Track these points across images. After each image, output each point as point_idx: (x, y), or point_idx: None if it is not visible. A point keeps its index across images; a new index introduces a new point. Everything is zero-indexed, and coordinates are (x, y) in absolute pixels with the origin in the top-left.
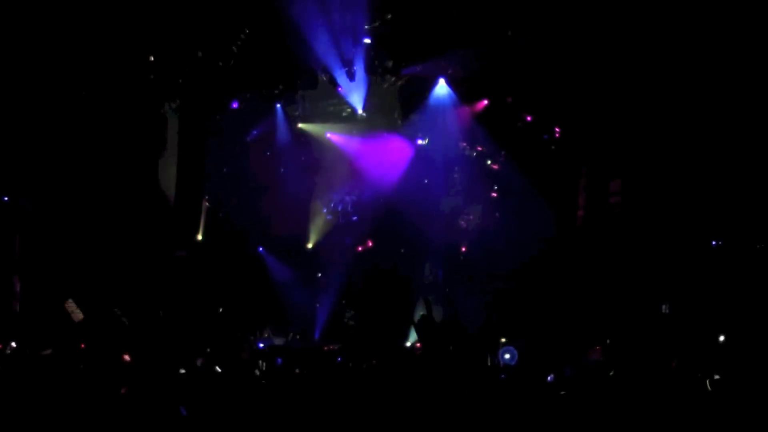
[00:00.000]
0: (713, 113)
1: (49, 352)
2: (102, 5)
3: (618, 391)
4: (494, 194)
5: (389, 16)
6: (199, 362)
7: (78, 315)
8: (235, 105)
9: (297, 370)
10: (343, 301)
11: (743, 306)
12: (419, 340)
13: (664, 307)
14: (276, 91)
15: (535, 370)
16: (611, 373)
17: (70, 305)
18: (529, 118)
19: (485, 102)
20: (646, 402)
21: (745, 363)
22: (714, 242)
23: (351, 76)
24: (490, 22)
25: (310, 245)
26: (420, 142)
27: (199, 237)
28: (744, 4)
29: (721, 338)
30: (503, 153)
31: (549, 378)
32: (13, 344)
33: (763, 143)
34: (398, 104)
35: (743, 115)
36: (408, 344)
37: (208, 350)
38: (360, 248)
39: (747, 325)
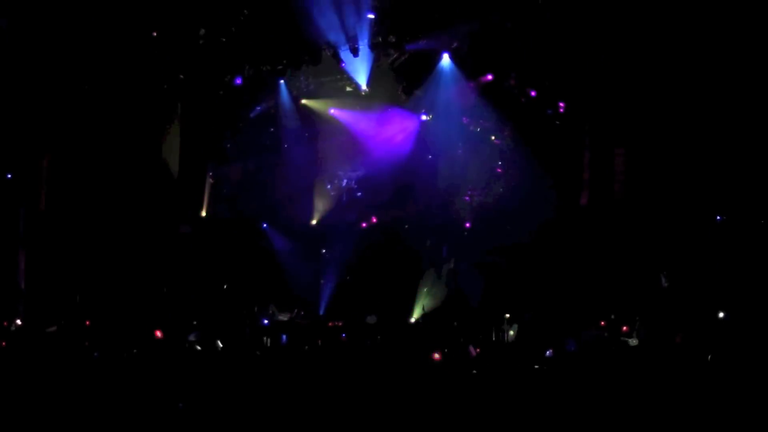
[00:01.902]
0: (716, 90)
1: (54, 329)
2: None
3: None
4: (499, 170)
5: None
6: (192, 337)
7: None
8: (238, 81)
9: (303, 347)
10: (348, 277)
11: (745, 281)
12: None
13: (663, 279)
14: (279, 67)
15: (536, 344)
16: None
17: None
18: (533, 93)
19: (489, 77)
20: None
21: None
22: (718, 217)
23: (355, 52)
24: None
25: (314, 221)
26: (424, 117)
27: (203, 213)
28: None
29: (720, 314)
30: (508, 128)
31: (548, 353)
32: (18, 321)
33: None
34: (402, 80)
35: (746, 91)
36: (413, 319)
37: (197, 324)
38: (364, 224)
39: (749, 300)
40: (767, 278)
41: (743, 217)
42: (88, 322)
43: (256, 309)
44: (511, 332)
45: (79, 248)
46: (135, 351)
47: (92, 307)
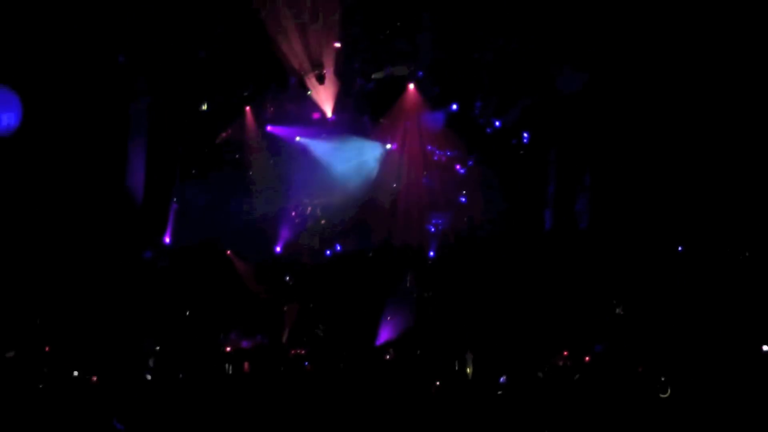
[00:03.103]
0: (678, 123)
1: (12, 354)
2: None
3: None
4: (463, 199)
5: (360, 20)
6: (151, 362)
7: None
8: (204, 107)
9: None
10: (311, 305)
11: (708, 310)
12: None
13: (618, 310)
14: (245, 94)
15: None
16: (576, 377)
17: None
18: (497, 123)
19: (454, 106)
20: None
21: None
22: (680, 247)
23: (321, 80)
24: (461, 27)
25: (278, 248)
26: (389, 146)
27: (167, 239)
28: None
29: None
30: (472, 157)
31: (501, 379)
32: None
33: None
34: (368, 108)
35: (708, 123)
36: (376, 347)
37: (157, 349)
38: (328, 252)
39: (712, 328)
40: (727, 307)
41: (705, 248)
42: (47, 348)
43: (219, 336)
44: (470, 363)
45: (40, 272)
46: (95, 377)
47: (52, 333)
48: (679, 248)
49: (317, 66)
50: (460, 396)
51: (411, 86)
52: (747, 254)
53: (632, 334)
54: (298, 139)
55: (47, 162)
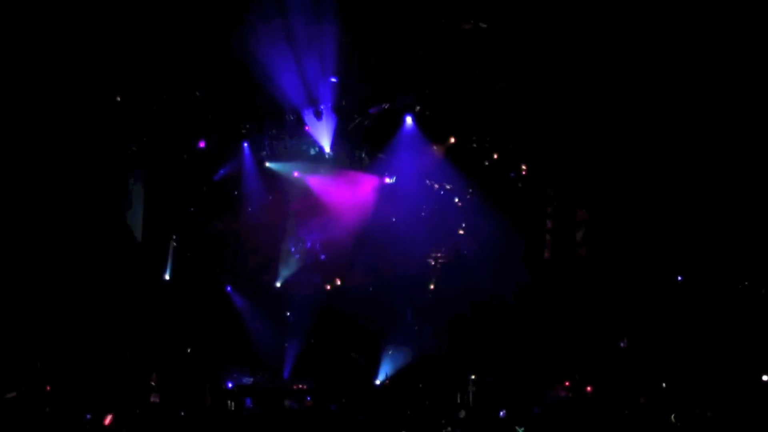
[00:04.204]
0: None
1: (14, 395)
2: (66, 43)
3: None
4: (462, 231)
5: (356, 56)
6: (153, 398)
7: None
8: (201, 144)
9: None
10: (312, 340)
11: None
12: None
13: (622, 343)
14: (243, 131)
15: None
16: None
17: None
18: (495, 156)
19: (452, 140)
20: None
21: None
22: (679, 278)
23: (318, 116)
24: (456, 60)
25: (278, 284)
26: (387, 180)
27: (167, 277)
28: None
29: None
30: (471, 190)
31: (501, 414)
32: None
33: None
34: (365, 143)
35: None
36: (378, 382)
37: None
38: (328, 287)
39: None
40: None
41: (704, 278)
42: (48, 388)
43: (220, 372)
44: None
45: (40, 314)
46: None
47: (53, 373)
48: (679, 278)
49: (314, 102)
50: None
51: (409, 120)
52: (746, 283)
53: (634, 365)
54: (296, 174)
55: (48, 203)
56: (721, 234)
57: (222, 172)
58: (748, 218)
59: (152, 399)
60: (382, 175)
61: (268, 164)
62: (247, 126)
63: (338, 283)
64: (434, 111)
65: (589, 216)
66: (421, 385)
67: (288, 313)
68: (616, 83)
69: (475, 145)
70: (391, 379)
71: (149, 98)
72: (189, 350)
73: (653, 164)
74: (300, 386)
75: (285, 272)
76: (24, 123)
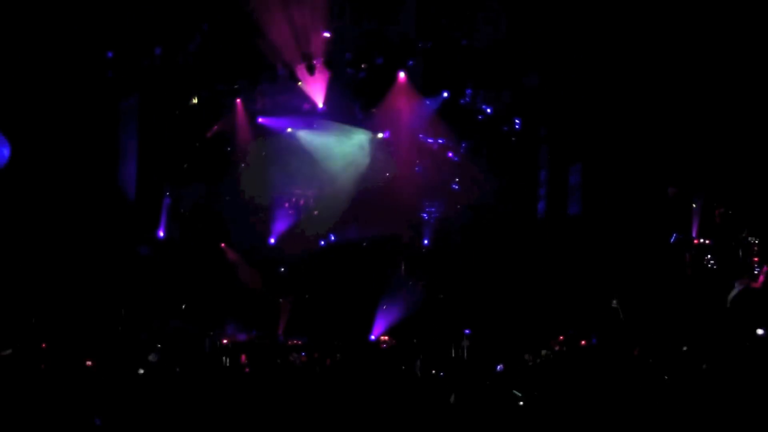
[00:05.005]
0: (671, 106)
1: (9, 352)
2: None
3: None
4: (455, 186)
5: (348, 9)
6: (152, 357)
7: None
8: (194, 100)
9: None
10: (306, 296)
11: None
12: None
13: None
14: (236, 87)
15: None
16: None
17: None
18: (489, 110)
19: (445, 94)
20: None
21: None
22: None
23: (311, 71)
24: (450, 15)
25: (272, 240)
26: (380, 135)
27: (161, 233)
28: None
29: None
30: (464, 145)
31: (498, 368)
32: None
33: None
34: (358, 98)
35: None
36: (372, 337)
37: (159, 346)
38: (322, 242)
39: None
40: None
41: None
42: (44, 345)
43: (214, 329)
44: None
45: (34, 270)
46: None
47: (48, 330)
48: (672, 238)
49: (307, 57)
50: (458, 384)
51: (401, 75)
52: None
53: (627, 321)
54: (289, 130)
55: (40, 160)
56: (717, 188)
57: (215, 128)
58: (743, 168)
59: (150, 358)
60: (375, 131)
61: (260, 120)
62: (240, 82)
63: (332, 238)
64: (427, 66)
65: (582, 170)
66: (415, 341)
67: (282, 269)
68: (611, 35)
69: (468, 99)
70: (386, 334)
71: (142, 53)
72: (183, 307)
73: (649, 117)
74: (295, 341)
75: (278, 228)
76: (14, 78)
